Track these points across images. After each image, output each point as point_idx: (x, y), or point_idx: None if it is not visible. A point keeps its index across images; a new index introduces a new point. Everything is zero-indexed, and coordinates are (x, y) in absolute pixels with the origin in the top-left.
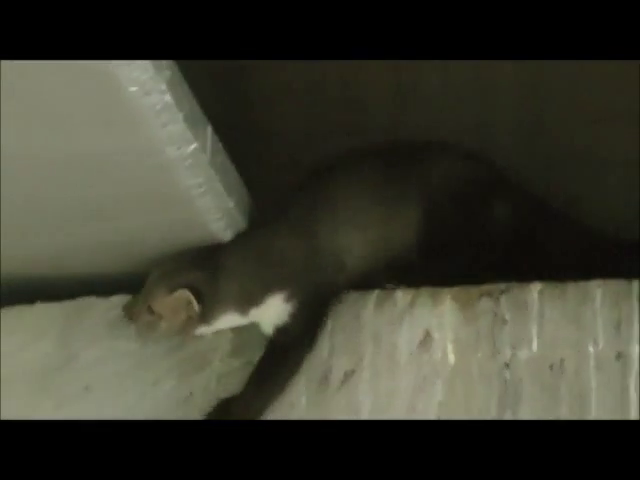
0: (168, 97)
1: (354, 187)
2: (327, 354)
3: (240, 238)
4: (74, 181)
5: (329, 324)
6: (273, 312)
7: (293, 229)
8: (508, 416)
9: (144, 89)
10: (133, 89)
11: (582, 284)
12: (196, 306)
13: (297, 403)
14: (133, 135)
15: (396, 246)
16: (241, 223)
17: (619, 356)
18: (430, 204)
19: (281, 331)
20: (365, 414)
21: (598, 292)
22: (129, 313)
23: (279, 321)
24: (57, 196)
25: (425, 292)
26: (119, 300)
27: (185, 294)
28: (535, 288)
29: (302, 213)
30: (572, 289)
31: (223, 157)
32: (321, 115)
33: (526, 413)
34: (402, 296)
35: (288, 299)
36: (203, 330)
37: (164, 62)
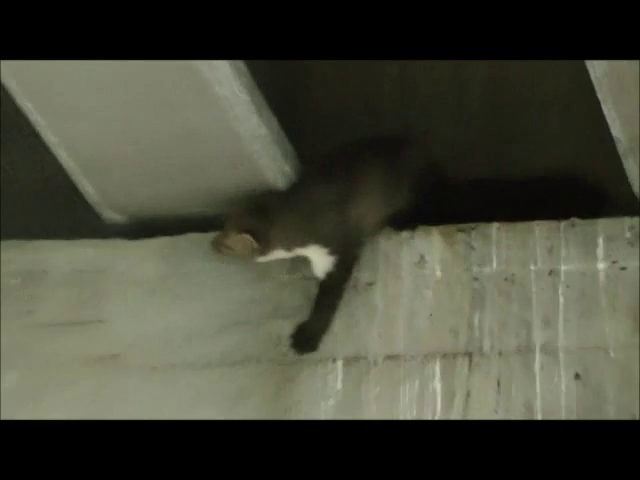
0: (243, 95)
1: (367, 174)
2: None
3: (291, 194)
4: (175, 148)
5: None
6: (320, 261)
7: (328, 201)
8: (477, 315)
9: (223, 86)
10: (218, 88)
11: (527, 223)
12: (255, 244)
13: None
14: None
15: (394, 209)
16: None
17: (551, 272)
18: (412, 182)
19: (329, 275)
20: (379, 314)
21: (537, 228)
22: (214, 246)
23: (327, 269)
24: (168, 159)
25: (420, 228)
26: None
27: (247, 237)
28: (495, 226)
29: (334, 189)
30: (520, 226)
31: (279, 131)
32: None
33: (489, 312)
34: (405, 231)
35: (331, 254)
36: (261, 259)
37: (240, 64)
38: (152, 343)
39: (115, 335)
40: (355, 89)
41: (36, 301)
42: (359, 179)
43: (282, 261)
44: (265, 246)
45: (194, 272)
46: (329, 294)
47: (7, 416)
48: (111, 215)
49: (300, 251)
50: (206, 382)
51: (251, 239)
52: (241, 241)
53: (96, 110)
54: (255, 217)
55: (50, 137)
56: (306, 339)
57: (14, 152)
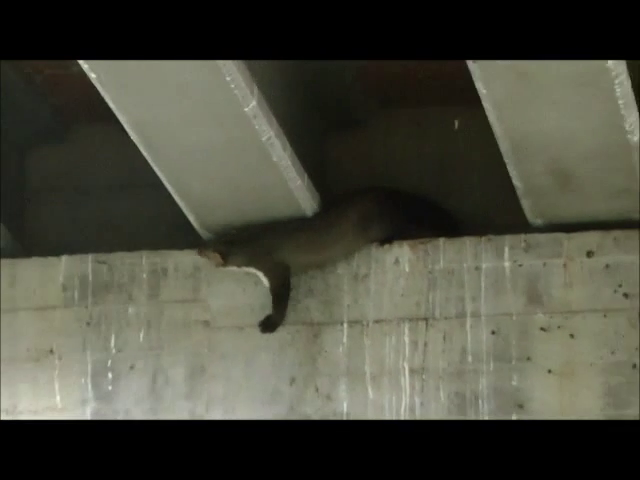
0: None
1: (297, 229)
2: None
3: (250, 234)
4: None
5: None
6: (260, 277)
7: (263, 243)
8: (431, 294)
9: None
10: (246, 109)
11: (460, 238)
12: (219, 260)
13: None
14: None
15: (319, 258)
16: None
17: (477, 268)
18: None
19: (268, 288)
20: (372, 293)
21: (467, 240)
22: (199, 252)
23: (265, 283)
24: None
25: (396, 242)
26: None
27: (217, 255)
28: (441, 239)
29: (269, 236)
30: (456, 240)
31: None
32: None
33: (438, 292)
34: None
35: (264, 276)
36: (228, 269)
37: (255, 87)
38: (240, 311)
39: (211, 307)
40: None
41: (160, 287)
42: (287, 232)
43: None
44: (226, 262)
45: None
46: (274, 298)
47: (138, 360)
48: (204, 233)
49: (247, 269)
50: (271, 335)
51: (219, 257)
52: (213, 256)
53: (199, 166)
54: (225, 244)
55: (168, 186)
56: (269, 324)
57: (149, 196)
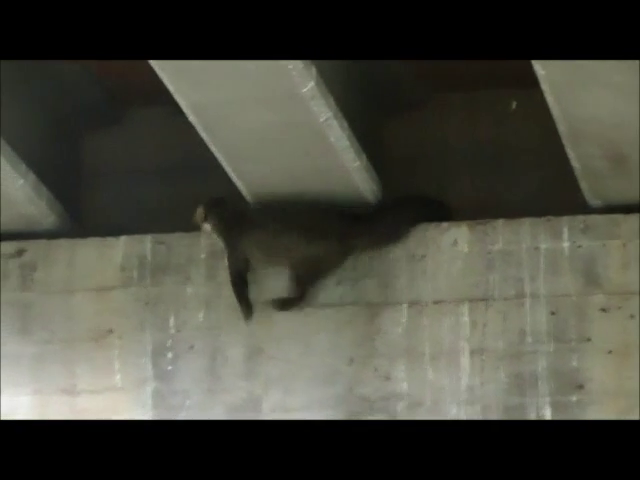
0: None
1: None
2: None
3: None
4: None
5: None
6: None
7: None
8: (489, 275)
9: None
10: (304, 90)
11: (519, 219)
12: (202, 214)
13: None
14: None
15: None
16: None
17: (536, 248)
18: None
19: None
20: (429, 275)
21: (526, 221)
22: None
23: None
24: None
25: (454, 222)
26: None
27: (201, 210)
28: (500, 221)
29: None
30: (515, 220)
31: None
32: None
33: (497, 273)
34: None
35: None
36: (207, 228)
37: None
38: None
39: (268, 288)
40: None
41: (218, 268)
42: (255, 226)
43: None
44: (206, 219)
45: None
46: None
47: (197, 340)
48: None
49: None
50: (328, 315)
51: (202, 211)
52: (199, 211)
53: (257, 148)
54: (215, 205)
55: (226, 168)
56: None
57: (206, 178)
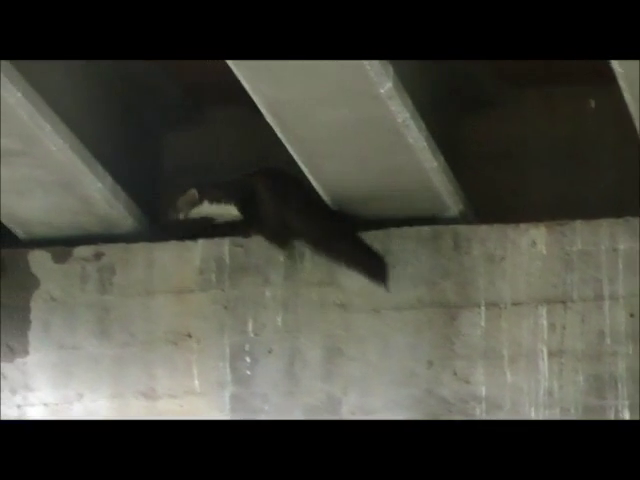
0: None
1: None
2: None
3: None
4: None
5: None
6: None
7: None
8: (568, 276)
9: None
10: (381, 90)
11: (596, 220)
12: (195, 195)
13: None
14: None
15: None
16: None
17: (614, 249)
18: None
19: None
20: (508, 276)
21: (604, 222)
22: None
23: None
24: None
25: (531, 223)
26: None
27: (192, 192)
28: (578, 222)
29: None
30: (592, 222)
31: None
32: None
33: (576, 274)
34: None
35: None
36: (202, 208)
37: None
38: (376, 294)
39: (347, 289)
40: None
41: (296, 270)
42: None
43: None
44: (202, 197)
45: (404, 259)
46: None
47: (276, 343)
48: None
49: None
50: (407, 317)
51: (195, 192)
52: (188, 195)
53: (333, 147)
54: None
55: (302, 166)
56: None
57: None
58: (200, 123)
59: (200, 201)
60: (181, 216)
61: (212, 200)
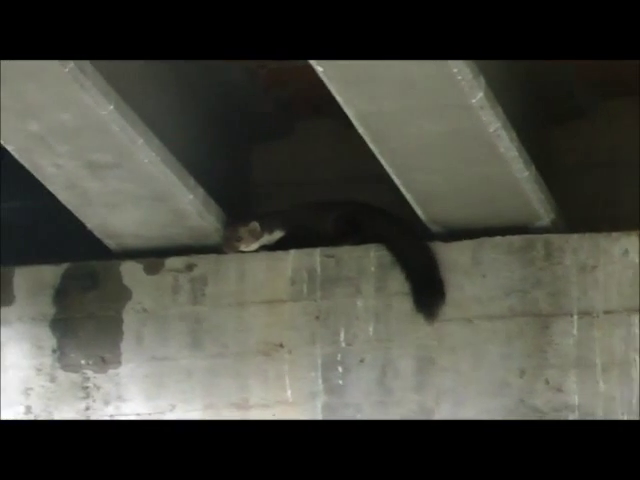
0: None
1: None
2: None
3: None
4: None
5: None
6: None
7: None
8: None
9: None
10: (473, 100)
11: None
12: (258, 229)
13: None
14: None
15: None
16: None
17: None
18: None
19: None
20: (600, 285)
21: None
22: (228, 244)
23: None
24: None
25: (623, 232)
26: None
27: (253, 224)
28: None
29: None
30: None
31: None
32: None
33: None
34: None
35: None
36: (262, 240)
37: (482, 78)
38: (467, 304)
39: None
40: None
41: (387, 280)
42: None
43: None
44: (264, 228)
45: (496, 269)
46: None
47: (368, 353)
48: (434, 227)
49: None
50: (499, 327)
51: (257, 225)
52: (249, 229)
53: (424, 158)
54: (251, 217)
55: (394, 178)
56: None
57: (373, 189)
58: (291, 136)
59: (262, 233)
60: (242, 247)
61: (272, 231)
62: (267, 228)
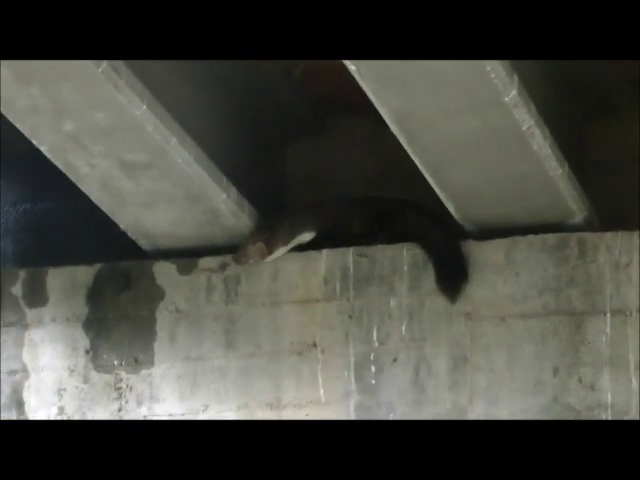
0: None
1: None
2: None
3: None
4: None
5: None
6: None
7: None
8: None
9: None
10: (506, 98)
11: None
12: (265, 248)
13: None
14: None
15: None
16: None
17: None
18: None
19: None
20: (633, 283)
21: None
22: (238, 259)
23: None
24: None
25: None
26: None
27: (259, 244)
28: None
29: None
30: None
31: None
32: None
33: None
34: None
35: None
36: (274, 256)
37: (515, 75)
38: (501, 302)
39: (472, 298)
40: None
41: (421, 279)
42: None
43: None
44: (271, 247)
45: (529, 267)
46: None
47: (401, 352)
48: (467, 225)
49: (295, 242)
50: (532, 325)
51: (262, 245)
52: (256, 248)
53: (458, 156)
54: (260, 233)
55: (427, 177)
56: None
57: (407, 188)
58: (325, 135)
59: (269, 252)
60: (251, 262)
61: (280, 247)
62: (280, 242)
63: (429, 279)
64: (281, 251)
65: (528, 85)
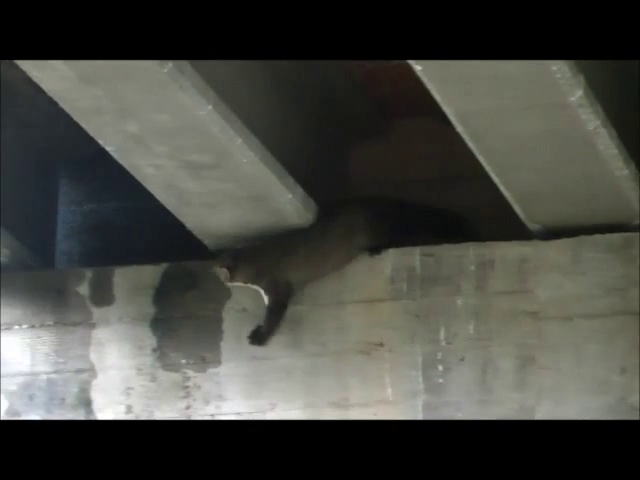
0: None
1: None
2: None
3: (257, 250)
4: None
5: None
6: (262, 294)
7: (267, 263)
8: None
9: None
10: (572, 99)
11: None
12: (227, 276)
13: None
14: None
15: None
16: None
17: None
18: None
19: (267, 303)
20: None
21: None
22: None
23: (266, 301)
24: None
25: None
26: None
27: (223, 270)
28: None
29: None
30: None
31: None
32: None
33: None
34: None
35: (265, 293)
36: (234, 284)
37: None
38: (568, 302)
39: (539, 298)
40: None
41: (487, 279)
42: (287, 248)
43: None
44: (233, 278)
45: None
46: (269, 313)
47: (468, 352)
48: (532, 225)
49: (251, 286)
50: (599, 325)
51: (226, 272)
52: (220, 271)
53: (524, 157)
54: (231, 259)
55: (493, 177)
56: (258, 336)
57: (472, 188)
58: (388, 135)
59: (230, 280)
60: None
61: (239, 282)
62: (240, 278)
63: (496, 279)
64: (241, 285)
65: (595, 85)
